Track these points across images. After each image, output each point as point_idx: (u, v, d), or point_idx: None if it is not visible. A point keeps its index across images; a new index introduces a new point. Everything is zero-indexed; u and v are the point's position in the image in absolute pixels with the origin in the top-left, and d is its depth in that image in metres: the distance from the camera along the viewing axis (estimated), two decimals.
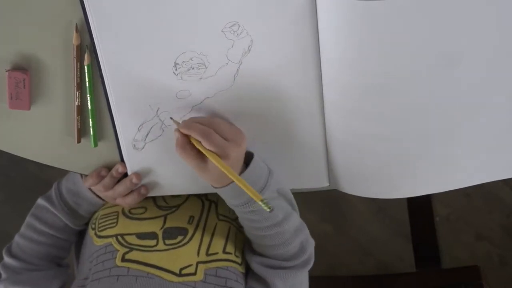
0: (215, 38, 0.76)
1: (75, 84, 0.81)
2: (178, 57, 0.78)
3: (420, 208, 1.31)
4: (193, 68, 0.78)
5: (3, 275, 0.91)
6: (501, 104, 0.80)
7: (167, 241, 0.85)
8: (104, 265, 0.83)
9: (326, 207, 1.68)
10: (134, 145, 0.85)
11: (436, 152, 0.85)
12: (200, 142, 0.76)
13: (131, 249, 0.84)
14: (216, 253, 0.85)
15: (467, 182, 0.89)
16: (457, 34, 0.72)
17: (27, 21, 0.77)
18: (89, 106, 0.83)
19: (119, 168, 0.86)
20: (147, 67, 0.79)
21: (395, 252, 1.67)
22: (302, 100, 0.81)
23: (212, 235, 0.87)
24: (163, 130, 0.83)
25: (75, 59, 0.79)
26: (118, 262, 0.82)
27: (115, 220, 0.89)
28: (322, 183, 0.90)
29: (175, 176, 0.87)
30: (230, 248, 0.87)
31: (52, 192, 0.92)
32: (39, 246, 0.92)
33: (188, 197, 0.92)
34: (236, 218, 0.90)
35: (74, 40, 0.78)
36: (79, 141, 0.85)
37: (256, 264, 0.86)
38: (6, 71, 0.80)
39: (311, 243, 0.87)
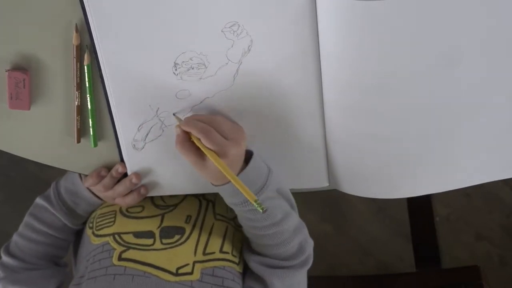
0: (215, 38, 0.76)
1: (75, 84, 0.81)
2: (178, 57, 0.78)
3: (420, 208, 1.31)
4: (193, 68, 0.78)
5: (1, 274, 0.91)
6: (501, 104, 0.80)
7: (164, 240, 0.85)
8: (101, 263, 0.83)
9: (326, 207, 1.68)
10: (134, 145, 0.85)
11: (436, 152, 0.85)
12: (199, 139, 0.76)
13: (128, 248, 0.84)
14: (213, 253, 0.85)
15: (467, 182, 0.89)
16: (457, 34, 0.72)
17: (27, 21, 0.77)
18: (89, 106, 0.83)
19: (119, 168, 0.86)
20: (147, 67, 0.79)
21: (395, 252, 1.67)
22: (302, 100, 0.81)
23: (209, 234, 0.87)
24: (163, 130, 0.83)
25: (75, 59, 0.79)
26: (115, 261, 0.82)
27: (112, 219, 0.89)
28: (322, 183, 0.90)
29: (174, 176, 0.87)
30: (227, 247, 0.87)
31: (51, 191, 0.92)
32: (37, 246, 0.92)
33: (185, 196, 0.92)
34: (234, 218, 0.90)
35: (74, 40, 0.78)
36: (79, 141, 0.85)
37: (254, 263, 0.86)
38: (6, 71, 0.80)
39: (310, 243, 0.87)
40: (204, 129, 0.76)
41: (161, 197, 0.92)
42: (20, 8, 0.77)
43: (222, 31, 0.76)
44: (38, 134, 0.86)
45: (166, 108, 0.81)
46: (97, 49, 0.78)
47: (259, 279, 0.85)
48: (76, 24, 0.77)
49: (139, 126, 0.83)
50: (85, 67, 0.80)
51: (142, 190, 0.88)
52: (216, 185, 0.81)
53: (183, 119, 0.80)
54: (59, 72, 0.81)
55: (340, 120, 0.82)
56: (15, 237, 0.93)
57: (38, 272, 0.91)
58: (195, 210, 0.90)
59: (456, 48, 0.74)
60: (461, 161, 0.86)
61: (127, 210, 0.90)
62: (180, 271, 0.82)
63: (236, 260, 0.87)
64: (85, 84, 0.81)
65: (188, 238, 0.86)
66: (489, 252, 1.68)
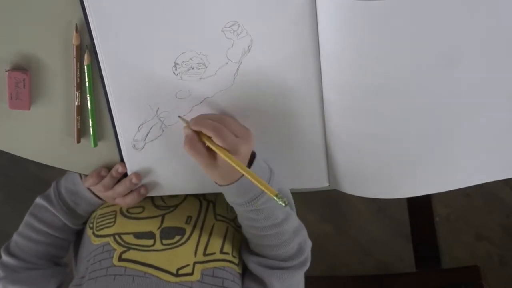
0: (215, 38, 0.76)
1: (75, 84, 0.81)
2: (178, 57, 0.78)
3: (420, 208, 1.31)
4: (193, 68, 0.78)
5: (1, 274, 0.91)
6: (501, 104, 0.80)
7: (164, 241, 0.85)
8: (101, 264, 0.83)
9: (326, 207, 1.68)
10: (134, 145, 0.85)
11: (436, 152, 0.85)
12: (210, 138, 0.76)
13: (128, 249, 0.84)
14: (214, 253, 0.85)
15: (467, 182, 0.89)
16: (457, 34, 0.72)
17: (27, 21, 0.77)
18: (89, 106, 0.83)
19: (119, 168, 0.86)
20: (147, 67, 0.79)
21: (395, 252, 1.67)
22: (302, 100, 0.81)
23: (210, 235, 0.87)
24: (163, 130, 0.83)
25: (75, 59, 0.79)
26: (115, 261, 0.82)
27: (113, 220, 0.89)
28: (322, 183, 0.90)
29: (175, 176, 0.87)
30: (227, 248, 0.87)
31: (51, 191, 0.92)
32: (38, 245, 0.92)
33: (186, 197, 0.92)
34: (234, 218, 0.90)
35: (74, 40, 0.78)
36: (79, 141, 0.85)
37: (253, 264, 0.86)
38: (6, 71, 0.80)
39: (309, 244, 0.87)
40: (215, 127, 0.76)
41: (162, 198, 0.92)
42: (20, 8, 0.77)
43: (222, 31, 0.76)
44: (38, 134, 0.86)
45: (166, 108, 0.81)
46: (97, 49, 0.78)
47: (258, 280, 0.85)
48: (76, 24, 0.77)
49: (139, 126, 0.83)
50: (85, 67, 0.80)
51: (142, 190, 0.88)
52: (221, 185, 0.80)
53: (189, 120, 0.80)
54: (59, 72, 0.81)
55: (340, 120, 0.82)
56: (15, 237, 0.93)
57: (38, 272, 0.91)
58: (195, 210, 0.90)
59: (456, 48, 0.74)
60: (461, 161, 0.86)
61: (127, 211, 0.90)
62: (181, 271, 0.82)
63: (236, 260, 0.87)
64: (85, 84, 0.81)
65: (188, 238, 0.86)
66: (489, 252, 1.68)
